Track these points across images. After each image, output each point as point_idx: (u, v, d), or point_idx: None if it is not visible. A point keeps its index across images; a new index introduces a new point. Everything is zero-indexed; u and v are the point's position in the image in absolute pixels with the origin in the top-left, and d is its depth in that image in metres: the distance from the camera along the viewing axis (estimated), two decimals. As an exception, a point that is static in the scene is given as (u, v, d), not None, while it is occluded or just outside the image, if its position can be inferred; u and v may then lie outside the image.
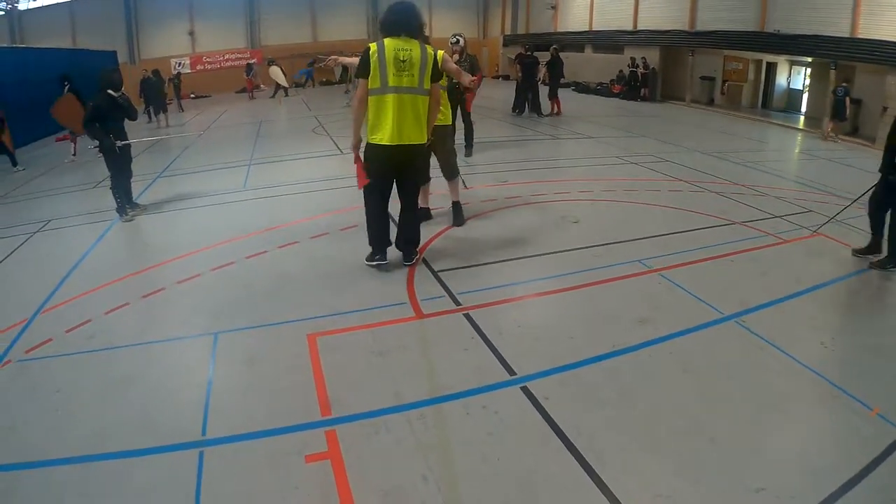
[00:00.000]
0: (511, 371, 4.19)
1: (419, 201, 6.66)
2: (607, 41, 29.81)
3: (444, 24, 40.35)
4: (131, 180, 8.76)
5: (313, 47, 36.57)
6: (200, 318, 5.20)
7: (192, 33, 36.00)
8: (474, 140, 11.91)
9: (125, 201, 8.53)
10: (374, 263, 6.08)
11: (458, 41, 11.03)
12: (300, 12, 38.28)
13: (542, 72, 19.71)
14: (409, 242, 6.14)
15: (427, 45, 5.64)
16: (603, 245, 6.80)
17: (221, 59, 36.47)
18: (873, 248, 6.71)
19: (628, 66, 27.09)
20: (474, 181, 9.81)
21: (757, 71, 24.56)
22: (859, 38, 18.27)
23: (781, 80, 24.72)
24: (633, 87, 26.84)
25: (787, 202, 9.00)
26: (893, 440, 3.61)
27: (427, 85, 5.60)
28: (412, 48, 5.50)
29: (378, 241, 6.04)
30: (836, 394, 4.09)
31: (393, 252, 6.24)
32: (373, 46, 5.49)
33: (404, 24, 5.57)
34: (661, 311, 5.24)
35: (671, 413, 3.82)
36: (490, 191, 9.13)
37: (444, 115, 7.04)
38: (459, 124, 11.40)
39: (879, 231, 6.65)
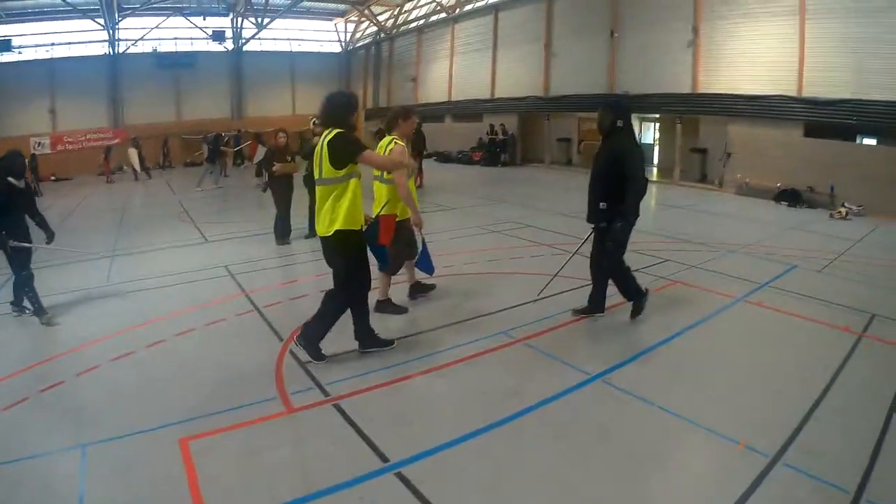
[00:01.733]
0: (384, 458, 4.15)
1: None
2: (466, 110, 30.92)
3: (307, 100, 40.75)
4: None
5: (178, 126, 36.17)
6: (67, 430, 4.87)
7: (52, 111, 34.30)
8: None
9: (37, 299, 7.57)
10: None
11: (318, 122, 11.11)
12: (164, 91, 37.53)
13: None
14: (359, 336, 6.02)
15: (335, 132, 5.48)
16: (467, 320, 6.87)
17: (83, 138, 34.68)
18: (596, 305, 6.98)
19: (487, 133, 28.02)
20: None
21: (610, 130, 25.81)
22: (700, 94, 19.89)
23: (633, 136, 26.05)
24: (494, 153, 27.73)
25: (645, 255, 9.45)
26: (762, 468, 3.90)
27: (327, 173, 5.45)
28: (322, 138, 5.54)
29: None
30: (705, 435, 4.35)
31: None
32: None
33: (324, 115, 5.67)
34: (529, 380, 5.36)
35: (549, 482, 3.89)
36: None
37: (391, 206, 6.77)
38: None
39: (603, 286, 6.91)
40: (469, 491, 3.81)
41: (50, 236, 7.93)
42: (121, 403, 5.28)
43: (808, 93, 16.84)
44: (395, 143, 6.73)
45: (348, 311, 5.88)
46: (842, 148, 16.43)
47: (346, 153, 5.39)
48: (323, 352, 5.82)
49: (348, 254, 5.59)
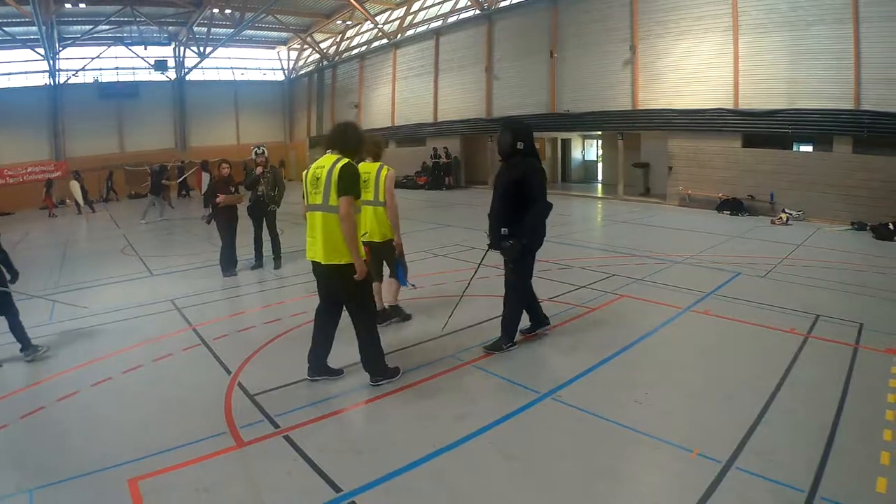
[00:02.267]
0: (337, 488, 4.08)
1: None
2: (410, 135, 31.02)
3: (252, 129, 40.89)
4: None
5: (120, 158, 35.68)
6: (11, 475, 4.66)
7: None
8: (282, 251, 11.67)
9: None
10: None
11: (262, 152, 10.96)
12: (106, 122, 37.09)
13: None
14: (365, 367, 5.81)
15: (345, 162, 5.43)
16: (416, 345, 6.79)
17: (25, 171, 33.87)
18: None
19: (431, 156, 28.11)
20: (284, 295, 9.73)
21: (554, 148, 26.32)
22: (640, 110, 20.31)
23: (577, 153, 26.57)
24: (438, 176, 27.83)
25: (591, 271, 9.53)
26: (716, 474, 3.94)
27: (332, 201, 5.35)
28: (325, 165, 5.45)
29: (310, 356, 5.89)
30: (658, 445, 4.37)
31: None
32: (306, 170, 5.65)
33: (328, 140, 5.70)
34: (478, 402, 5.32)
35: (504, 503, 3.86)
36: (300, 304, 8.81)
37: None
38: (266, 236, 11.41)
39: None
40: (424, 519, 3.75)
41: (14, 276, 7.36)
42: (67, 445, 5.09)
43: (744, 104, 17.44)
44: (388, 169, 6.97)
45: (308, 340, 5.89)
46: (779, 156, 17.01)
47: (355, 186, 5.42)
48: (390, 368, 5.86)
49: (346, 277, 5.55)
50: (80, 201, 26.49)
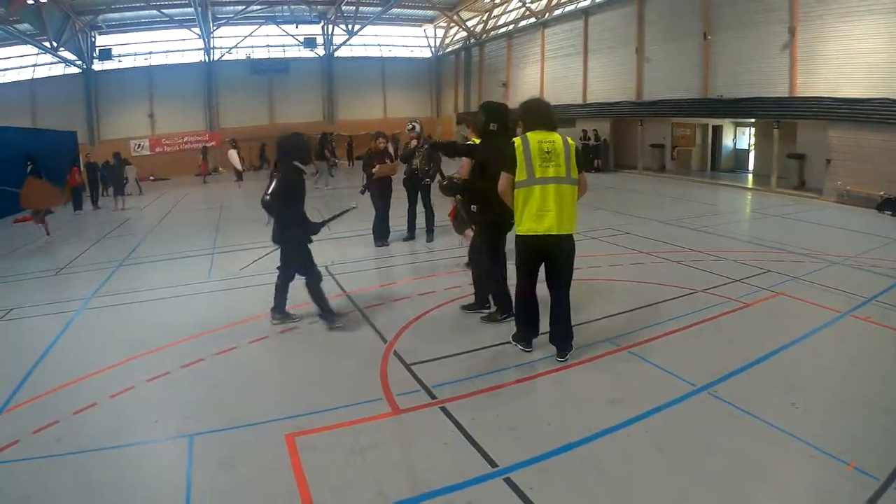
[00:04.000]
0: (493, 463, 4.15)
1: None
2: (559, 115, 30.38)
3: (398, 105, 41.71)
4: None
5: (270, 129, 37.01)
6: (173, 420, 5.07)
7: (151, 115, 36.58)
8: (435, 224, 11.92)
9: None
10: (520, 347, 6.13)
11: (413, 128, 11.14)
12: (258, 95, 39.27)
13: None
14: (561, 338, 5.97)
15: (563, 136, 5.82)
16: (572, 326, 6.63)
17: (180, 141, 36.89)
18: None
19: (580, 138, 27.70)
20: (436, 267, 9.95)
21: (704, 135, 25.40)
22: (798, 97, 19.07)
23: (728, 141, 25.57)
24: (587, 159, 27.30)
25: (745, 264, 9.22)
26: (872, 492, 3.72)
27: (574, 174, 5.69)
28: (555, 140, 5.68)
29: (526, 326, 6.08)
30: (813, 453, 4.17)
31: (365, 340, 6.34)
32: (517, 141, 5.70)
33: (544, 118, 5.85)
34: (634, 389, 5.29)
35: (655, 495, 3.84)
36: (454, 277, 9.04)
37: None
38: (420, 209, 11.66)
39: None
40: (576, 502, 3.79)
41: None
42: (226, 398, 5.48)
43: (914, 94, 16.04)
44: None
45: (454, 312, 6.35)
46: (953, 153, 15.54)
47: (582, 159, 5.88)
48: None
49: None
50: (240, 167, 27.86)
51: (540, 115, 5.87)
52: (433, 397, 5.22)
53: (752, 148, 24.96)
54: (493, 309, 7.06)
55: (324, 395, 5.37)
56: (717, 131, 25.55)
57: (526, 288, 5.97)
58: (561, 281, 5.87)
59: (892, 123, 16.37)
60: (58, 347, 7.06)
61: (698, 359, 5.84)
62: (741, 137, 25.68)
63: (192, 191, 26.63)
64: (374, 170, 11.17)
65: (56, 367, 6.37)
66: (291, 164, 6.92)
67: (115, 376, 6.01)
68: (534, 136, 5.67)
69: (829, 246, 11.03)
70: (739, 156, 25.81)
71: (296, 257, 7.05)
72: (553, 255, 5.77)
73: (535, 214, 5.60)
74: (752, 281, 8.39)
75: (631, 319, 7.02)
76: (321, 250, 10.76)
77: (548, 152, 5.59)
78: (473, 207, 6.84)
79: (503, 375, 5.67)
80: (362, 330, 7.04)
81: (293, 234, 6.95)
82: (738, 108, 21.23)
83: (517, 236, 5.84)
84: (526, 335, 6.08)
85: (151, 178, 32.17)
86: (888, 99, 16.34)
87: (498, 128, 6.67)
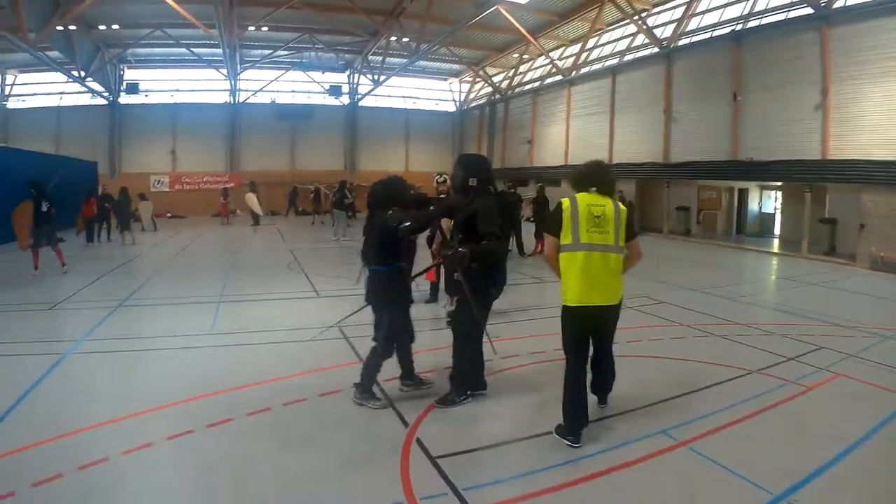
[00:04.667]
0: None
1: None
2: (583, 176, 30.24)
3: (421, 158, 42.04)
4: None
5: (291, 175, 37.93)
6: None
7: (173, 152, 37.29)
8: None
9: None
10: (566, 443, 5.28)
11: (445, 180, 10.78)
12: (280, 140, 39.81)
13: (526, 209, 19.56)
14: (606, 390, 5.96)
15: (616, 201, 5.48)
16: (620, 414, 5.98)
17: (200, 180, 37.42)
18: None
19: (607, 200, 27.34)
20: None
21: (730, 198, 25.02)
22: (832, 160, 18.66)
23: (753, 205, 25.24)
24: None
25: (794, 340, 8.65)
26: None
27: (622, 242, 5.36)
28: (605, 204, 5.33)
29: (576, 415, 5.34)
30: None
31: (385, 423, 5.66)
32: (565, 202, 5.31)
33: (598, 179, 5.48)
34: (703, 498, 4.53)
35: None
36: (487, 347, 7.44)
37: None
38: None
39: None
40: None
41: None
42: (212, 486, 4.70)
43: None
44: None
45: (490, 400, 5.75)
46: None
47: (633, 228, 5.66)
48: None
49: None
50: (259, 211, 27.55)
51: (595, 176, 5.50)
52: (465, 504, 4.39)
53: (776, 211, 24.56)
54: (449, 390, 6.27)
55: (331, 498, 4.51)
56: (743, 194, 25.19)
57: (576, 370, 5.36)
58: (607, 344, 5.75)
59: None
60: (33, 396, 6.35)
61: (769, 457, 5.11)
62: (766, 201, 25.28)
63: (208, 231, 26.45)
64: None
65: (25, 422, 5.67)
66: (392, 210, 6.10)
67: (90, 441, 5.27)
68: (583, 199, 5.32)
69: (875, 318, 10.43)
70: (765, 220, 25.44)
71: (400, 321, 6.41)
72: (597, 326, 5.47)
73: (581, 284, 5.20)
74: (807, 359, 7.77)
75: (684, 406, 6.25)
76: (336, 306, 10.20)
77: (597, 216, 5.24)
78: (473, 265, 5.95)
79: (549, 476, 4.78)
80: (381, 410, 6.14)
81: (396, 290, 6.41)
82: (769, 171, 20.82)
83: (565, 307, 5.33)
84: (574, 427, 5.31)
85: (168, 214, 32.48)
86: (926, 162, 15.88)
87: (478, 183, 6.12)
